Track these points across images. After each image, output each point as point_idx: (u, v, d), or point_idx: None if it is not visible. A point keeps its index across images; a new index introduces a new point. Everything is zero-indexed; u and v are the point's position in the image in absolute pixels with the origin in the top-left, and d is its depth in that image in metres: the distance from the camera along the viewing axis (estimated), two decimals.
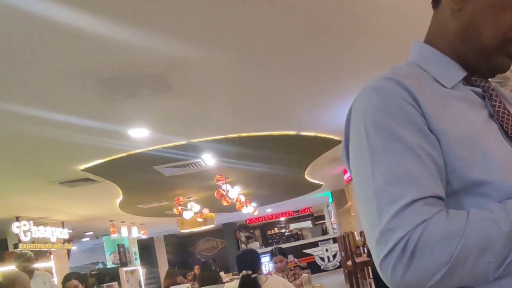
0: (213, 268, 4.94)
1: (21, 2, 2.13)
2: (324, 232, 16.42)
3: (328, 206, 15.61)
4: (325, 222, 17.41)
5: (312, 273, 5.64)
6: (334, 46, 3.26)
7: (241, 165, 6.54)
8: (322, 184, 10.39)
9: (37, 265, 5.81)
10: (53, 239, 7.93)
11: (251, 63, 3.31)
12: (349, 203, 11.25)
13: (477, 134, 0.73)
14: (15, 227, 6.80)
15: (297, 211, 17.80)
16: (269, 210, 15.15)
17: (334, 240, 13.51)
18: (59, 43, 2.56)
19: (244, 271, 2.98)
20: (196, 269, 7.64)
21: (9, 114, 3.37)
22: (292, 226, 19.02)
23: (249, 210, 9.70)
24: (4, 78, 2.86)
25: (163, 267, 14.51)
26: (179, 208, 8.00)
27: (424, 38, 0.90)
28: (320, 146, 6.11)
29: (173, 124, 4.41)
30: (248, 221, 17.51)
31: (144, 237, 12.09)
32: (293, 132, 5.31)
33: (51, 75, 2.91)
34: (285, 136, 5.34)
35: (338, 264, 13.48)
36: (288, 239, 16.66)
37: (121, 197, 7.40)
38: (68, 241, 8.88)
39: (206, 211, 9.34)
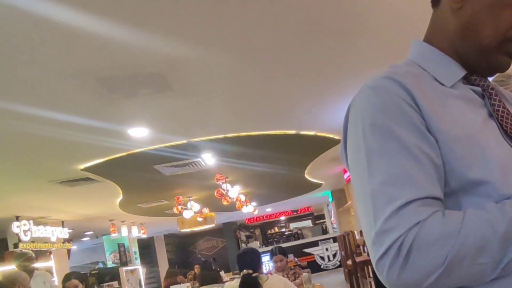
0: (213, 268, 4.95)
1: (21, 2, 2.13)
2: (324, 231, 16.43)
3: (328, 205, 15.61)
4: (325, 222, 17.41)
5: (312, 272, 5.64)
6: (334, 46, 3.26)
7: (241, 164, 6.54)
8: (322, 184, 10.39)
9: (37, 264, 5.81)
10: (53, 239, 7.93)
11: (251, 63, 3.31)
12: (349, 203, 11.25)
13: (476, 133, 0.73)
14: (15, 227, 6.80)
15: (296, 211, 17.78)
16: (269, 209, 15.15)
17: (334, 239, 13.51)
18: (59, 43, 2.56)
19: (244, 270, 2.99)
20: (196, 269, 7.65)
21: (9, 113, 3.37)
22: (292, 225, 19.02)
23: (249, 209, 9.70)
24: (4, 77, 2.86)
25: (163, 267, 14.51)
26: (179, 207, 8.00)
27: (424, 37, 0.90)
28: (320, 145, 6.11)
29: (173, 123, 4.41)
30: (247, 220, 17.51)
31: (144, 236, 12.09)
32: (293, 132, 5.31)
33: (51, 74, 2.91)
34: (285, 135, 5.34)
35: (338, 263, 13.49)
36: (288, 238, 16.67)
37: (121, 197, 7.40)
38: (68, 240, 8.88)
39: (206, 210, 9.35)
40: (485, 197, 0.69)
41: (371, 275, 7.09)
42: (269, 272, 4.11)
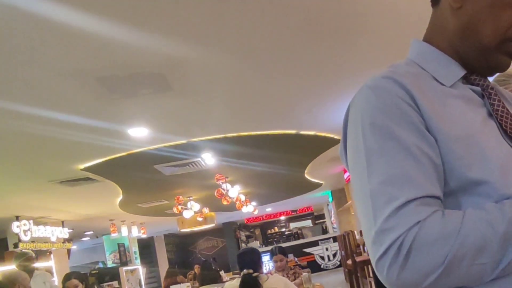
0: (213, 267, 4.95)
1: (21, 2, 2.13)
2: (324, 231, 16.43)
3: (328, 205, 15.61)
4: (325, 221, 17.41)
5: (312, 272, 5.65)
6: (334, 46, 3.26)
7: (241, 164, 6.54)
8: (322, 183, 10.39)
9: (37, 264, 5.82)
10: (53, 239, 7.93)
11: (251, 63, 3.31)
12: (349, 202, 11.25)
13: (476, 133, 0.73)
14: (15, 227, 6.80)
15: (295, 211, 17.77)
16: (269, 209, 15.16)
17: (334, 239, 13.52)
18: (59, 43, 2.56)
19: (245, 270, 2.99)
20: (196, 268, 7.65)
21: (8, 113, 3.37)
22: (292, 225, 19.02)
23: (249, 209, 9.70)
24: (4, 77, 2.86)
25: (163, 266, 14.51)
26: (179, 207, 8.00)
27: (423, 36, 0.90)
28: (320, 145, 6.12)
29: (173, 123, 4.41)
30: (247, 220, 17.51)
31: (144, 236, 12.09)
32: (293, 131, 5.31)
33: (51, 74, 2.91)
34: (285, 135, 5.34)
35: (338, 263, 13.49)
36: (288, 238, 16.67)
37: (121, 197, 7.40)
38: (68, 240, 8.88)
39: (206, 210, 9.35)
40: (485, 197, 0.69)
41: (371, 274, 7.10)
42: (269, 272, 4.11)
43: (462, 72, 0.83)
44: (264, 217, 17.73)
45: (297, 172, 8.09)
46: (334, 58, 3.49)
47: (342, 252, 9.42)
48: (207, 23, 2.64)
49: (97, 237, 12.39)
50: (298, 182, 9.32)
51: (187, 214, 8.39)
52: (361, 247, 8.04)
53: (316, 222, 18.91)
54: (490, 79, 0.88)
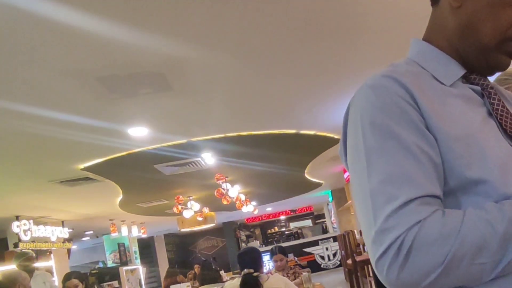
0: (213, 267, 4.95)
1: (21, 2, 2.13)
2: (324, 230, 16.42)
3: (328, 204, 15.61)
4: (325, 221, 17.41)
5: (312, 271, 5.65)
6: (333, 46, 3.26)
7: (241, 164, 6.54)
8: (322, 183, 10.39)
9: (37, 264, 5.82)
10: (53, 238, 7.93)
11: (251, 63, 3.31)
12: (349, 202, 11.25)
13: (475, 133, 0.73)
14: (15, 226, 6.80)
15: (294, 211, 17.76)
16: (269, 209, 15.16)
17: (334, 238, 13.52)
18: (59, 43, 2.56)
19: (245, 270, 2.99)
20: (196, 268, 7.64)
21: (8, 113, 3.37)
22: (292, 225, 19.02)
23: (249, 209, 9.70)
24: (4, 77, 2.86)
25: (163, 266, 14.51)
26: (179, 207, 8.00)
27: (423, 35, 0.90)
28: (320, 144, 6.12)
29: (173, 123, 4.41)
30: (247, 220, 17.51)
31: (144, 236, 12.09)
32: (292, 131, 5.31)
33: (51, 74, 2.91)
34: (285, 134, 5.34)
35: (338, 262, 13.49)
36: (288, 238, 16.67)
37: (121, 196, 7.40)
38: (68, 240, 8.88)
39: (206, 210, 9.35)
40: (484, 196, 0.69)
41: (371, 274, 7.10)
42: (269, 272, 4.11)
43: (462, 72, 0.83)
44: (264, 216, 17.73)
45: (297, 172, 8.09)
46: (334, 58, 3.49)
47: (342, 251, 9.43)
48: (207, 23, 2.64)
49: (97, 237, 12.39)
50: (298, 181, 9.32)
51: (187, 214, 8.38)
52: (361, 246, 8.05)
53: (316, 221, 18.91)
54: (492, 78, 0.88)
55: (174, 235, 17.07)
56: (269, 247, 10.60)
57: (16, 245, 7.02)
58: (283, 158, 6.64)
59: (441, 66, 0.83)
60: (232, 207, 8.66)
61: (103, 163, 5.13)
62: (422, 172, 0.69)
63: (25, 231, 6.94)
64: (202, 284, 4.29)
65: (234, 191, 7.43)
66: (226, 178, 7.15)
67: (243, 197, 8.49)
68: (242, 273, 3.00)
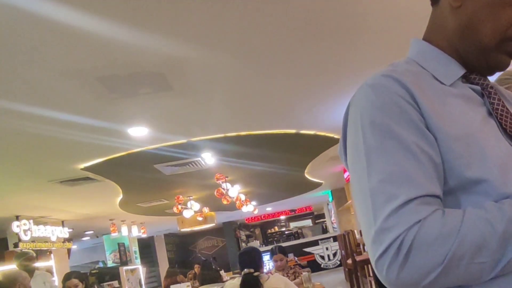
0: (213, 267, 4.96)
1: (21, 2, 2.13)
2: (324, 230, 16.43)
3: (328, 204, 15.62)
4: (325, 221, 17.42)
5: (312, 271, 5.65)
6: (333, 46, 3.26)
7: (241, 163, 6.54)
8: (322, 183, 10.40)
9: (37, 264, 5.81)
10: (53, 238, 7.93)
11: (251, 63, 3.31)
12: (349, 202, 11.25)
13: (475, 132, 0.73)
14: (15, 226, 6.80)
15: (294, 211, 17.76)
16: (269, 208, 15.16)
17: (334, 238, 13.52)
18: (59, 43, 2.56)
19: (246, 270, 2.99)
20: (196, 268, 7.65)
21: (8, 113, 3.37)
22: (292, 224, 19.03)
23: (249, 208, 9.70)
24: (4, 77, 2.86)
25: (164, 266, 14.52)
26: (179, 207, 8.00)
27: (423, 35, 0.90)
28: (320, 144, 6.12)
29: (172, 123, 4.41)
30: (247, 220, 17.51)
31: (144, 236, 12.09)
32: (292, 131, 5.31)
33: (51, 74, 2.91)
34: (285, 134, 5.34)
35: (339, 262, 13.49)
36: (288, 237, 16.67)
37: (121, 196, 7.40)
38: (68, 240, 8.89)
39: (206, 209, 9.35)
40: (484, 196, 0.69)
41: (371, 274, 7.10)
42: (269, 272, 4.12)
43: (461, 71, 0.83)
44: (264, 216, 17.73)
45: (297, 172, 8.09)
46: (334, 58, 3.49)
47: (342, 251, 9.43)
48: (207, 23, 2.64)
49: (97, 237, 12.39)
50: (298, 181, 9.32)
51: (187, 214, 8.38)
52: (361, 246, 8.05)
53: (316, 221, 18.92)
54: (492, 78, 0.88)
55: (174, 235, 17.08)
56: (269, 247, 10.60)
57: (16, 245, 7.02)
58: (283, 158, 6.64)
59: (441, 65, 0.83)
60: (232, 207, 8.66)
61: (103, 163, 5.13)
62: (422, 172, 0.69)
63: (25, 231, 6.94)
64: (202, 284, 4.30)
65: (234, 191, 7.43)
66: (226, 178, 7.15)
67: (243, 197, 8.49)
68: (243, 272, 3.01)
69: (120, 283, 9.39)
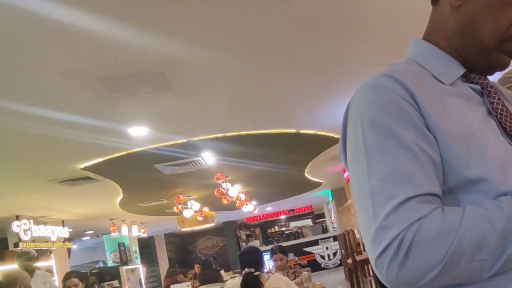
0: (214, 267, 4.96)
1: (21, 2, 2.14)
2: (325, 230, 16.42)
3: (328, 204, 15.62)
4: (325, 220, 17.42)
5: (313, 271, 5.65)
6: (333, 46, 3.26)
7: (241, 163, 6.54)
8: (322, 182, 10.40)
9: (37, 264, 5.81)
10: (54, 238, 7.93)
11: (251, 62, 3.31)
12: (349, 201, 11.25)
13: (475, 132, 0.73)
14: (15, 226, 6.81)
15: (292, 210, 17.75)
16: (269, 208, 15.16)
17: (335, 238, 13.53)
18: (59, 43, 2.56)
19: (246, 269, 2.99)
20: (197, 268, 7.65)
21: (8, 113, 3.37)
22: (293, 224, 19.03)
23: (249, 208, 9.71)
24: (4, 77, 2.86)
25: (164, 266, 14.53)
26: (179, 206, 8.00)
27: (423, 35, 0.90)
28: (320, 144, 6.12)
29: (173, 122, 4.41)
30: (247, 219, 17.52)
31: (145, 235, 12.09)
32: (292, 130, 5.31)
33: (51, 74, 2.91)
34: (285, 134, 5.34)
35: (339, 262, 13.49)
36: (288, 237, 16.67)
37: (121, 196, 7.40)
38: (69, 240, 8.89)
39: (206, 209, 9.35)
40: (483, 195, 0.70)
41: (371, 273, 7.10)
42: (270, 271, 4.12)
43: (461, 71, 0.83)
44: (264, 216, 17.73)
45: (297, 171, 8.09)
46: (334, 58, 3.49)
47: (342, 251, 9.44)
48: (207, 23, 2.64)
49: (98, 237, 12.39)
50: (298, 181, 9.32)
51: (187, 214, 8.39)
52: (361, 246, 8.05)
53: (316, 221, 18.92)
54: (493, 77, 0.88)
55: (174, 235, 17.08)
56: (269, 247, 10.60)
57: (16, 245, 7.02)
58: (283, 157, 6.64)
59: (441, 65, 0.83)
60: (232, 206, 8.66)
61: (103, 162, 5.13)
62: (421, 171, 0.69)
63: (25, 230, 6.94)
64: (202, 284, 4.30)
65: (234, 190, 7.43)
66: (226, 178, 7.16)
67: (243, 197, 8.49)
68: (243, 272, 3.01)
69: (120, 282, 9.40)
